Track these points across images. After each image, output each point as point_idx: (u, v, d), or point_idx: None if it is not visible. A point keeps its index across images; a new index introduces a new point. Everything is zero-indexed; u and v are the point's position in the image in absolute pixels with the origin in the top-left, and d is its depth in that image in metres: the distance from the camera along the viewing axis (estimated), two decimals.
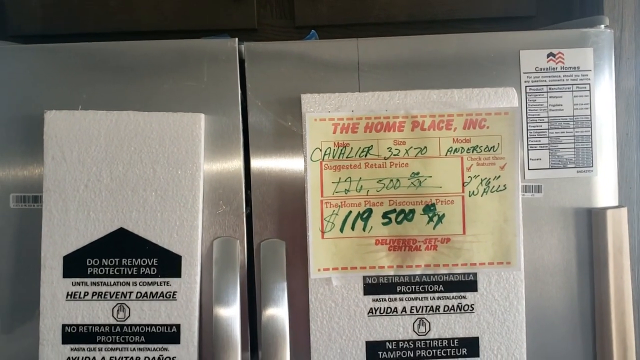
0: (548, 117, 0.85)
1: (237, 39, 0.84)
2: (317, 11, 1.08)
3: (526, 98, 0.85)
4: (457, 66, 0.85)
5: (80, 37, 1.08)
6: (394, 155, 0.83)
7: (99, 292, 0.82)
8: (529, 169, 0.85)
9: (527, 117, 0.85)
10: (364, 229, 0.83)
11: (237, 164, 0.84)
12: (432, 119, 0.83)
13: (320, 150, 0.83)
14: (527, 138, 0.85)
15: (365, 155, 0.83)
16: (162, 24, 1.08)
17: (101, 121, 0.82)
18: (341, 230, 0.83)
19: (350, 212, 0.83)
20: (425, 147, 0.83)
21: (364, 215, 0.83)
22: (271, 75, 0.84)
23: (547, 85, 0.85)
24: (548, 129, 0.85)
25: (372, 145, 0.83)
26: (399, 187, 0.83)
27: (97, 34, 1.08)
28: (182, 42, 0.84)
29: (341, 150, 0.83)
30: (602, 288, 0.85)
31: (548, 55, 0.85)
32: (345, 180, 0.83)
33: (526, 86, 0.85)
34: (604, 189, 0.87)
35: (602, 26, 0.87)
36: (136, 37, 1.04)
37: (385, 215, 0.83)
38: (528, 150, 0.85)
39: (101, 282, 0.82)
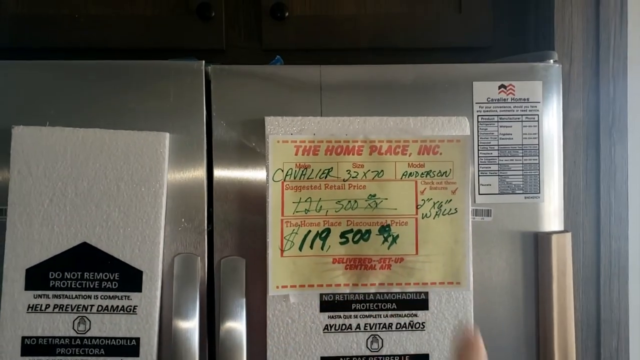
0: (498, 145, 0.90)
1: (203, 61, 0.87)
2: (284, 35, 1.12)
3: (478, 126, 0.89)
4: (414, 94, 0.89)
5: (51, 52, 1.09)
6: (353, 177, 0.87)
7: (61, 305, 0.84)
8: (479, 194, 0.90)
9: (478, 145, 0.89)
10: (322, 248, 0.86)
11: (200, 181, 0.87)
12: (389, 144, 0.87)
13: (282, 171, 0.86)
14: (478, 164, 0.89)
15: (326, 177, 0.87)
16: (131, 41, 1.10)
17: (68, 138, 0.84)
18: (300, 248, 0.86)
19: (310, 231, 0.86)
20: (382, 170, 0.87)
21: (323, 235, 0.87)
22: (236, 97, 0.87)
23: (498, 115, 0.90)
24: (498, 156, 0.90)
25: (332, 168, 0.87)
26: (356, 208, 0.87)
27: (68, 49, 1.10)
28: (149, 62, 0.87)
29: (302, 171, 0.87)
30: (546, 309, 0.90)
31: (499, 87, 0.90)
32: (306, 201, 0.86)
33: (478, 115, 0.89)
34: (550, 214, 0.92)
35: (551, 61, 0.92)
36: (105, 54, 1.06)
37: (342, 235, 0.87)
38: (479, 176, 0.90)
39: (63, 295, 0.84)
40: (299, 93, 0.89)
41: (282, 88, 0.88)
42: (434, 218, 0.87)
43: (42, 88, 0.86)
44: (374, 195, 0.87)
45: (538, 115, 0.91)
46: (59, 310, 0.83)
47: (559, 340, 0.89)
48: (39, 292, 0.83)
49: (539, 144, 0.90)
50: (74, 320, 0.84)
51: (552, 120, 0.92)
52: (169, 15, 1.11)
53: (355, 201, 0.87)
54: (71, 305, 0.84)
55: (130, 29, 1.11)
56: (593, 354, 1.02)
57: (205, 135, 0.87)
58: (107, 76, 0.86)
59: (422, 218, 0.87)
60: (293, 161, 0.86)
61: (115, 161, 0.84)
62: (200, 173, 0.87)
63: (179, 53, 1.09)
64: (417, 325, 0.87)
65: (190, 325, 0.83)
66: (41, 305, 0.83)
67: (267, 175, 0.86)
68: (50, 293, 0.84)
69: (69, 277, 0.84)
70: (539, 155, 0.90)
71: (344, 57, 1.12)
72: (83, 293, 0.84)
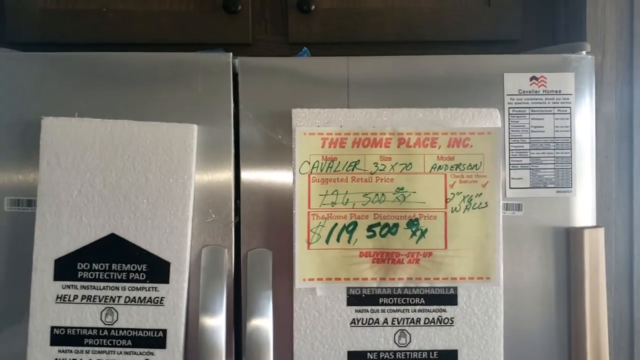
0: (530, 138, 0.88)
1: (231, 53, 0.87)
2: (310, 29, 1.11)
3: (509, 119, 0.88)
4: (443, 86, 0.88)
5: (78, 47, 1.10)
6: (380, 170, 0.86)
7: (89, 296, 0.84)
8: (510, 188, 0.88)
9: (509, 138, 0.88)
10: (349, 241, 0.86)
11: (228, 174, 0.86)
12: (417, 136, 0.86)
13: (309, 163, 0.86)
14: (509, 158, 0.88)
15: (352, 170, 0.86)
16: (158, 36, 1.11)
17: (96, 129, 0.85)
18: (327, 241, 0.85)
19: (336, 224, 0.86)
20: (411, 163, 0.86)
21: (349, 228, 0.86)
22: (263, 90, 0.87)
23: (529, 107, 0.88)
24: (529, 149, 0.88)
25: (359, 160, 0.86)
26: (384, 202, 0.86)
27: (95, 43, 1.11)
28: (178, 54, 0.87)
29: (329, 164, 0.86)
30: (578, 306, 0.88)
31: (531, 79, 0.88)
32: (332, 193, 0.86)
33: (509, 107, 0.88)
34: (583, 209, 0.89)
35: (584, 52, 0.90)
36: (133, 48, 1.07)
37: (370, 228, 0.86)
38: (510, 169, 0.88)
39: (91, 286, 0.84)
40: (326, 85, 0.88)
41: (309, 80, 0.88)
42: (463, 212, 0.85)
43: (72, 80, 0.86)
44: (402, 189, 0.86)
45: (570, 107, 0.89)
46: (87, 301, 0.84)
47: (592, 338, 0.87)
48: (68, 283, 0.84)
49: (571, 137, 0.89)
50: (101, 312, 0.84)
51: (584, 113, 0.90)
52: (196, 10, 1.12)
53: (383, 194, 0.86)
54: (99, 296, 0.84)
55: (157, 24, 1.11)
56: (626, 353, 1.00)
57: (232, 128, 0.87)
58: (136, 69, 0.86)
59: (452, 212, 0.86)
60: (320, 153, 0.86)
61: (143, 153, 0.84)
62: (227, 165, 0.86)
63: (207, 47, 1.09)
64: (446, 321, 0.86)
65: (217, 318, 0.83)
66: (70, 295, 0.84)
67: (294, 167, 0.85)
68: (79, 284, 0.84)
69: (96, 268, 0.84)
70: (571, 149, 0.89)
71: (370, 50, 1.11)
72: (111, 284, 0.84)
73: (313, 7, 1.10)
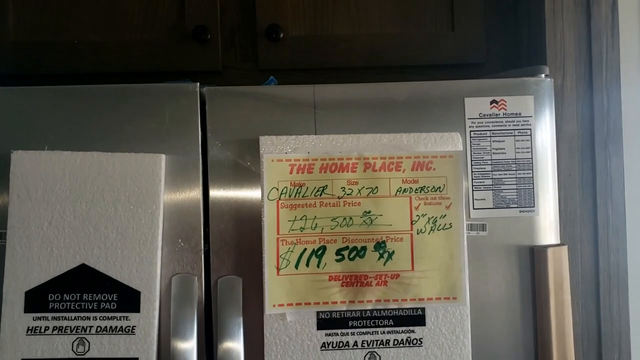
0: (491, 159, 0.90)
1: (198, 83, 0.88)
2: (279, 56, 1.14)
3: (471, 142, 0.90)
4: (407, 111, 0.90)
5: (51, 78, 1.11)
6: (347, 194, 0.88)
7: (60, 327, 0.84)
8: (474, 208, 0.90)
9: (471, 160, 0.90)
10: (318, 266, 0.87)
11: (196, 202, 0.88)
12: (382, 160, 0.88)
13: (277, 189, 0.87)
14: (472, 179, 0.90)
15: (320, 195, 0.88)
16: (130, 66, 1.12)
17: (66, 161, 0.86)
18: (296, 266, 0.87)
19: (305, 249, 0.87)
20: (377, 187, 0.88)
21: (319, 252, 0.87)
22: (231, 118, 0.89)
23: (490, 130, 0.90)
24: (491, 170, 0.90)
25: (326, 185, 0.88)
26: (351, 225, 0.87)
27: (67, 74, 1.12)
28: (145, 85, 0.88)
29: (297, 189, 0.87)
30: (544, 322, 0.89)
31: (491, 102, 0.91)
32: (301, 219, 0.87)
33: (471, 131, 0.90)
34: (546, 227, 0.92)
35: (543, 75, 0.93)
36: (105, 79, 1.08)
37: (338, 252, 0.87)
38: (473, 190, 0.90)
39: (62, 317, 0.84)
40: (293, 112, 0.90)
41: (276, 108, 0.90)
42: (429, 233, 0.87)
43: (41, 113, 0.87)
44: (369, 212, 0.88)
45: (530, 129, 0.91)
46: (58, 332, 0.84)
47: (558, 354, 0.89)
48: (39, 315, 0.84)
49: (532, 158, 0.91)
50: (73, 342, 0.84)
51: (545, 134, 0.92)
52: (166, 39, 1.13)
53: (351, 218, 0.88)
54: (70, 327, 0.84)
55: (128, 54, 1.13)
56: None
57: (200, 156, 0.88)
58: (104, 100, 0.88)
59: (417, 234, 0.87)
60: (288, 180, 0.87)
61: (112, 183, 0.85)
62: (196, 193, 0.88)
63: (177, 76, 1.11)
64: (415, 341, 0.87)
65: (188, 345, 0.84)
66: (40, 327, 0.84)
67: (262, 194, 0.87)
68: (50, 315, 0.84)
69: (67, 298, 0.85)
70: (532, 169, 0.91)
71: (339, 76, 1.14)
72: (82, 314, 0.85)
73: (282, 35, 1.12)
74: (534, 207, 0.91)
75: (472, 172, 0.90)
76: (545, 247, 0.90)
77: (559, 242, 0.93)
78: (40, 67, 1.12)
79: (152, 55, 1.13)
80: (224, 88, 0.90)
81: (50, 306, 0.85)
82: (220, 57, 1.14)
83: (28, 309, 0.84)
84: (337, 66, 1.15)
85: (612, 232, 1.03)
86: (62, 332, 0.84)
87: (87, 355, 0.84)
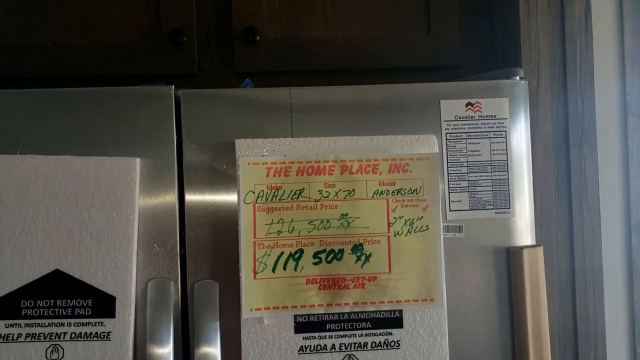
0: (467, 161, 0.91)
1: (173, 86, 0.88)
2: (255, 59, 1.13)
3: (446, 144, 0.91)
4: (384, 114, 0.90)
5: (24, 82, 1.10)
6: (324, 197, 0.87)
7: (33, 334, 0.83)
8: (450, 210, 0.91)
9: (447, 162, 0.91)
10: (295, 269, 0.87)
11: (172, 206, 0.87)
12: (359, 163, 0.88)
13: (254, 193, 0.87)
14: (448, 181, 0.91)
15: (297, 198, 0.87)
16: (105, 69, 1.11)
17: (39, 165, 0.84)
18: (273, 270, 0.86)
19: (282, 252, 0.87)
20: (354, 189, 0.88)
21: (296, 256, 0.87)
22: (206, 121, 0.88)
23: (466, 132, 0.91)
24: (467, 172, 0.91)
25: (303, 188, 0.87)
26: (329, 228, 0.87)
27: (41, 78, 1.11)
28: (119, 89, 0.87)
29: (274, 193, 0.87)
30: (520, 323, 0.90)
31: (467, 105, 0.92)
32: (278, 222, 0.87)
33: (446, 133, 0.91)
34: (522, 229, 0.92)
35: (517, 77, 0.94)
36: (80, 82, 1.07)
37: (315, 255, 0.87)
38: (449, 192, 0.90)
39: (35, 324, 0.83)
40: (269, 115, 0.89)
41: (252, 110, 0.89)
42: (405, 236, 0.87)
43: (14, 116, 0.86)
44: (346, 215, 0.88)
45: (505, 131, 0.92)
46: (31, 339, 0.83)
47: (535, 354, 0.89)
48: (11, 322, 0.83)
49: (507, 160, 0.92)
50: (46, 349, 0.83)
51: (520, 136, 0.93)
52: (142, 42, 1.13)
53: (328, 221, 0.87)
54: (44, 334, 0.83)
55: (103, 57, 1.12)
56: None
57: (176, 159, 0.87)
58: (78, 103, 0.87)
59: (394, 236, 0.87)
60: (264, 183, 0.87)
61: (86, 188, 0.84)
62: (171, 197, 0.87)
63: (153, 79, 1.10)
64: (392, 344, 0.87)
65: (164, 351, 0.83)
66: (13, 334, 0.83)
67: (239, 197, 0.86)
68: (23, 322, 0.83)
69: (41, 305, 0.83)
70: (507, 171, 0.92)
71: (315, 78, 1.13)
72: (56, 321, 0.84)
73: (258, 38, 1.12)
74: (509, 208, 0.92)
75: (448, 174, 0.91)
76: (521, 248, 0.90)
77: (534, 243, 0.93)
78: (13, 70, 1.10)
79: (128, 59, 1.12)
80: (199, 91, 0.89)
81: (23, 313, 0.83)
82: (196, 60, 1.13)
83: (0, 316, 0.83)
84: (313, 69, 1.15)
85: (587, 232, 1.04)
86: (35, 339, 0.83)
87: None
